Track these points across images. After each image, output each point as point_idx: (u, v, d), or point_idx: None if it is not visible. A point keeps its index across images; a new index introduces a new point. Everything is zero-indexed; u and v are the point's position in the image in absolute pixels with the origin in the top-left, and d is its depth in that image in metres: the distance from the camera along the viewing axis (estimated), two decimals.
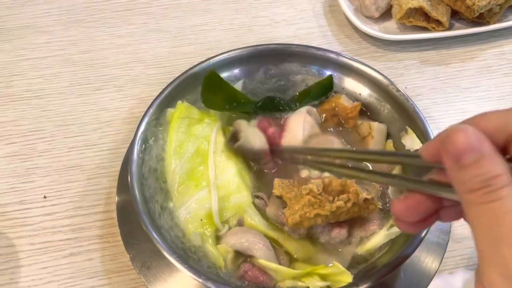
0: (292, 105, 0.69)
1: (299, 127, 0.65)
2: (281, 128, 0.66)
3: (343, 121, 0.68)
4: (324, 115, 0.69)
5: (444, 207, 0.39)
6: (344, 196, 0.54)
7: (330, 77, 0.71)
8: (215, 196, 0.59)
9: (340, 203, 0.53)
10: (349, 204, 0.54)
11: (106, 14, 0.93)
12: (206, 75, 0.68)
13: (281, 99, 0.69)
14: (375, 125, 0.67)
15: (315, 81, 0.71)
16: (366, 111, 0.70)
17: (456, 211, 0.38)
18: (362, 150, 0.63)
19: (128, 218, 0.63)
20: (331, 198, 0.54)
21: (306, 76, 0.73)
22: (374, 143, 0.66)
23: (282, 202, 0.58)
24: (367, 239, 0.57)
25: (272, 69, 0.73)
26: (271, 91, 0.72)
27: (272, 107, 0.68)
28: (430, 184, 0.38)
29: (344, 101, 0.69)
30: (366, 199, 0.55)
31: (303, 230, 0.57)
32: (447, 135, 0.33)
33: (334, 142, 0.65)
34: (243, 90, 0.71)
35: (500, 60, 0.87)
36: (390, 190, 0.62)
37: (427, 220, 0.40)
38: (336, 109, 0.68)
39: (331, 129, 0.68)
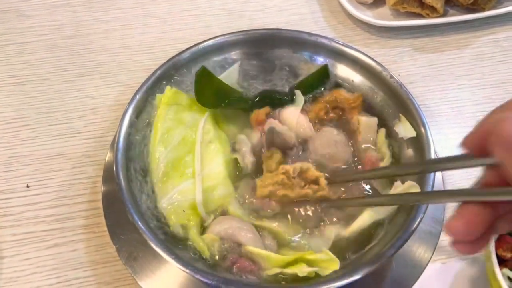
0: (289, 97, 0.66)
1: (292, 122, 0.64)
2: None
3: (346, 112, 0.66)
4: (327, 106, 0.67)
5: (500, 216, 0.35)
6: (315, 187, 0.57)
7: (325, 66, 0.69)
8: (199, 188, 0.57)
9: (308, 191, 0.57)
10: (317, 194, 0.57)
11: None
12: (198, 72, 0.65)
13: (277, 92, 0.67)
14: (363, 120, 0.65)
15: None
16: None
17: None
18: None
19: (114, 208, 0.61)
20: (302, 184, 0.58)
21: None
22: (362, 138, 0.64)
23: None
24: (353, 220, 0.56)
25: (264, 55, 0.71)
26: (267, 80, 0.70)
27: (269, 102, 0.66)
28: (486, 191, 0.35)
29: (344, 93, 0.67)
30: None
31: (275, 206, 0.58)
32: (495, 125, 0.30)
33: (334, 133, 0.64)
34: (240, 75, 0.69)
35: (494, 48, 0.86)
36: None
37: (486, 234, 0.35)
38: (338, 100, 0.66)
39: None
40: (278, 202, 0.58)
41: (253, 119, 0.64)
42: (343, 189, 0.60)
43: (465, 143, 0.35)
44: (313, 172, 0.58)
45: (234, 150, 0.63)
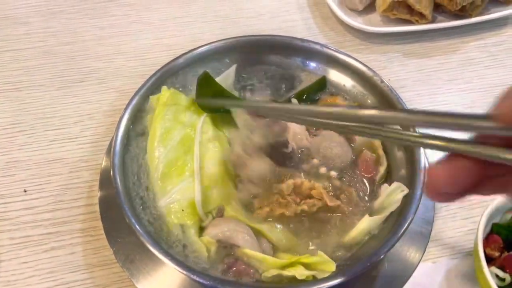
0: None
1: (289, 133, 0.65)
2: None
3: None
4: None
5: (488, 177, 0.31)
6: (310, 201, 0.57)
7: (324, 78, 0.70)
8: (198, 187, 0.58)
9: (304, 207, 0.57)
10: (314, 209, 0.57)
11: (87, 5, 0.91)
12: (200, 76, 0.66)
13: (276, 101, 0.68)
14: None
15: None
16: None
17: (502, 182, 0.31)
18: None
19: (110, 211, 0.62)
20: (298, 200, 0.58)
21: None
22: (358, 143, 0.66)
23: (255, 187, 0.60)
24: (351, 227, 0.57)
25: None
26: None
27: None
28: (487, 147, 0.29)
29: (341, 102, 0.69)
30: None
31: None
32: None
33: (335, 134, 0.65)
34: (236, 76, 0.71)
35: (482, 53, 0.88)
36: None
37: (464, 192, 0.31)
38: None
39: None
40: (278, 222, 0.59)
41: None
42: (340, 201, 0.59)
43: (498, 112, 0.28)
44: (306, 185, 0.58)
45: None
